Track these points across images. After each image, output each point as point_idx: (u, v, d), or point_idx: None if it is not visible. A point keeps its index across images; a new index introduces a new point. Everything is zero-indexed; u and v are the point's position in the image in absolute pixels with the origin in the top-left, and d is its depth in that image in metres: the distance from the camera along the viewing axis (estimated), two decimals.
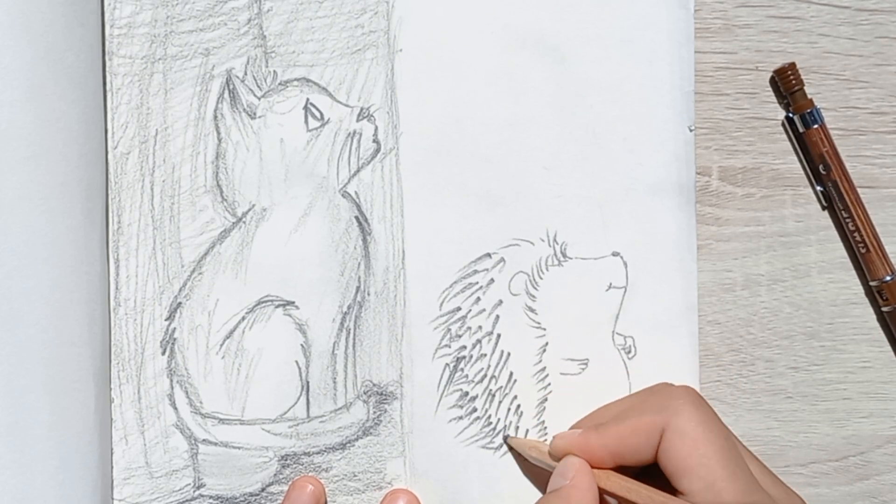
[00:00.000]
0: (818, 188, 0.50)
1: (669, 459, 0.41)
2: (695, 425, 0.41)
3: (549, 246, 0.47)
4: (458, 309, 0.47)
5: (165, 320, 0.47)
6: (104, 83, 0.46)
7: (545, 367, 0.47)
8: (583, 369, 0.48)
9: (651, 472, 0.43)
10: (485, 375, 0.47)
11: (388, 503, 0.47)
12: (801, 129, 0.49)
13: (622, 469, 0.43)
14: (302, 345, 0.47)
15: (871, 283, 0.49)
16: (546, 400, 0.47)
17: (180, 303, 0.47)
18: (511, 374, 0.47)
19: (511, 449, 0.47)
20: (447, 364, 0.47)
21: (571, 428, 0.46)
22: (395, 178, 0.47)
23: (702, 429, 0.41)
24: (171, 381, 0.47)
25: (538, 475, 0.47)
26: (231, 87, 0.47)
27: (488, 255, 0.47)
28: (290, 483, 0.46)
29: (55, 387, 0.43)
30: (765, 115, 0.50)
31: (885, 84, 0.50)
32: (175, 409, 0.47)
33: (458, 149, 0.47)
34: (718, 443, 0.41)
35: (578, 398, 0.47)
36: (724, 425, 0.42)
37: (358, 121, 0.47)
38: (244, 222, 0.47)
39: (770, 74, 0.49)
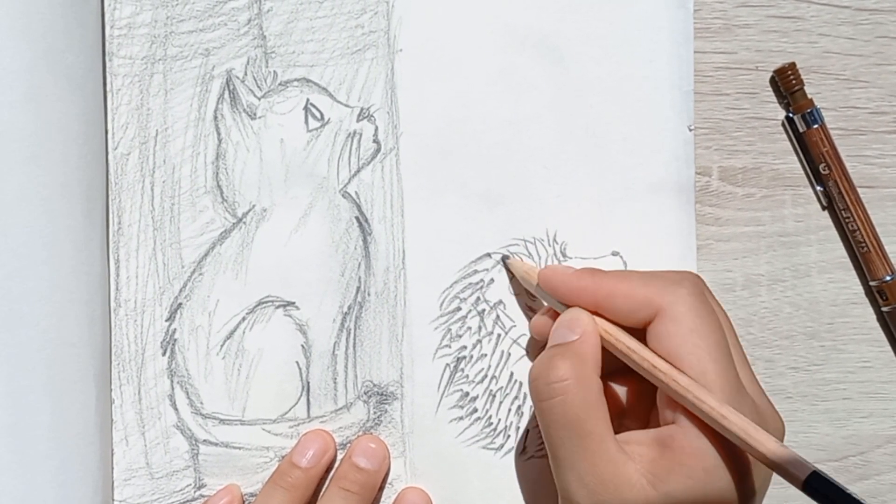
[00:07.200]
0: (818, 188, 0.50)
1: (661, 342, 0.40)
2: (693, 316, 0.40)
3: (549, 246, 0.47)
4: (459, 309, 0.47)
5: (166, 321, 0.47)
6: (104, 84, 0.46)
7: None
8: None
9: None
10: (485, 376, 0.47)
11: (399, 501, 0.47)
12: (801, 129, 0.49)
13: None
14: (302, 345, 0.47)
15: (871, 283, 0.50)
16: None
17: (181, 303, 0.47)
18: (512, 374, 0.47)
19: (507, 270, 0.47)
20: (448, 364, 0.47)
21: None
22: (395, 178, 0.47)
23: (699, 321, 0.40)
24: (172, 381, 0.47)
25: (525, 305, 0.47)
26: (231, 87, 0.47)
27: (488, 255, 0.47)
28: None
29: (55, 388, 0.43)
30: (765, 115, 0.50)
31: (885, 84, 0.50)
32: (176, 409, 0.47)
33: (458, 149, 0.47)
34: (713, 338, 0.40)
35: None
36: (721, 322, 0.41)
37: (358, 121, 0.47)
38: (244, 223, 0.47)
39: (770, 74, 0.49)
